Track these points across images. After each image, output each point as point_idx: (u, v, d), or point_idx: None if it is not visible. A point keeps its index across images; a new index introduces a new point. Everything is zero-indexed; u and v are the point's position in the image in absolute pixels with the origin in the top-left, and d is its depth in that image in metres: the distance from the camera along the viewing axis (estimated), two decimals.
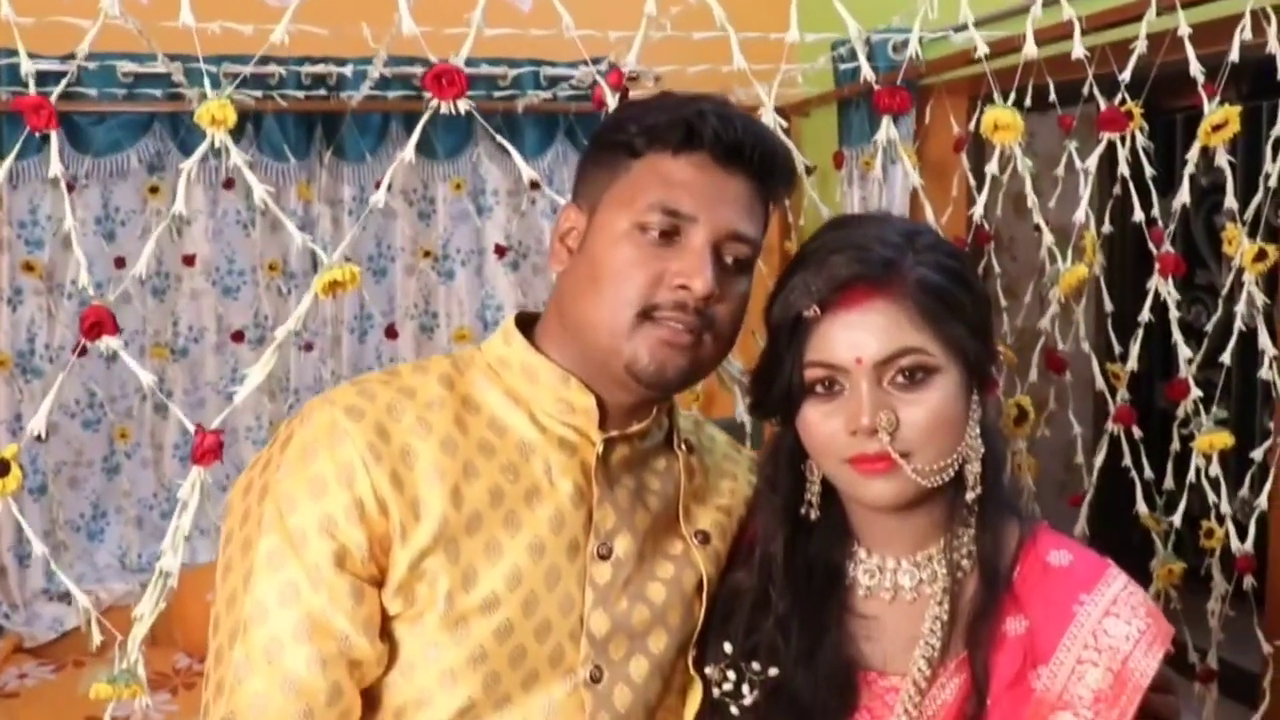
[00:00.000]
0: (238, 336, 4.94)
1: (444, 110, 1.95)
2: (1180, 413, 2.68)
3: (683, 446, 1.84)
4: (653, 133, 1.66)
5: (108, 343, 1.89)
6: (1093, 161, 2.52)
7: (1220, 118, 2.37)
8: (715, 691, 1.69)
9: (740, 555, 1.82)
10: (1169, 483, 2.76)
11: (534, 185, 4.79)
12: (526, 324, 1.79)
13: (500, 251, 5.09)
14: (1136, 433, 2.70)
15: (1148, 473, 2.74)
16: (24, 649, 4.71)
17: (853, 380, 1.57)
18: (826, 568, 1.72)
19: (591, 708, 1.65)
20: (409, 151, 1.99)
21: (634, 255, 1.62)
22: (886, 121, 2.25)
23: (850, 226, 1.71)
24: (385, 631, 1.61)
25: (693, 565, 1.78)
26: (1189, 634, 2.80)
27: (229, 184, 4.84)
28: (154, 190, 4.74)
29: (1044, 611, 1.58)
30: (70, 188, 4.64)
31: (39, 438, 4.32)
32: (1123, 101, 2.50)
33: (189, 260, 4.89)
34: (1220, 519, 2.66)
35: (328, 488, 1.57)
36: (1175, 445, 2.76)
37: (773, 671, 1.66)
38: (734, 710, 1.67)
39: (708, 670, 1.72)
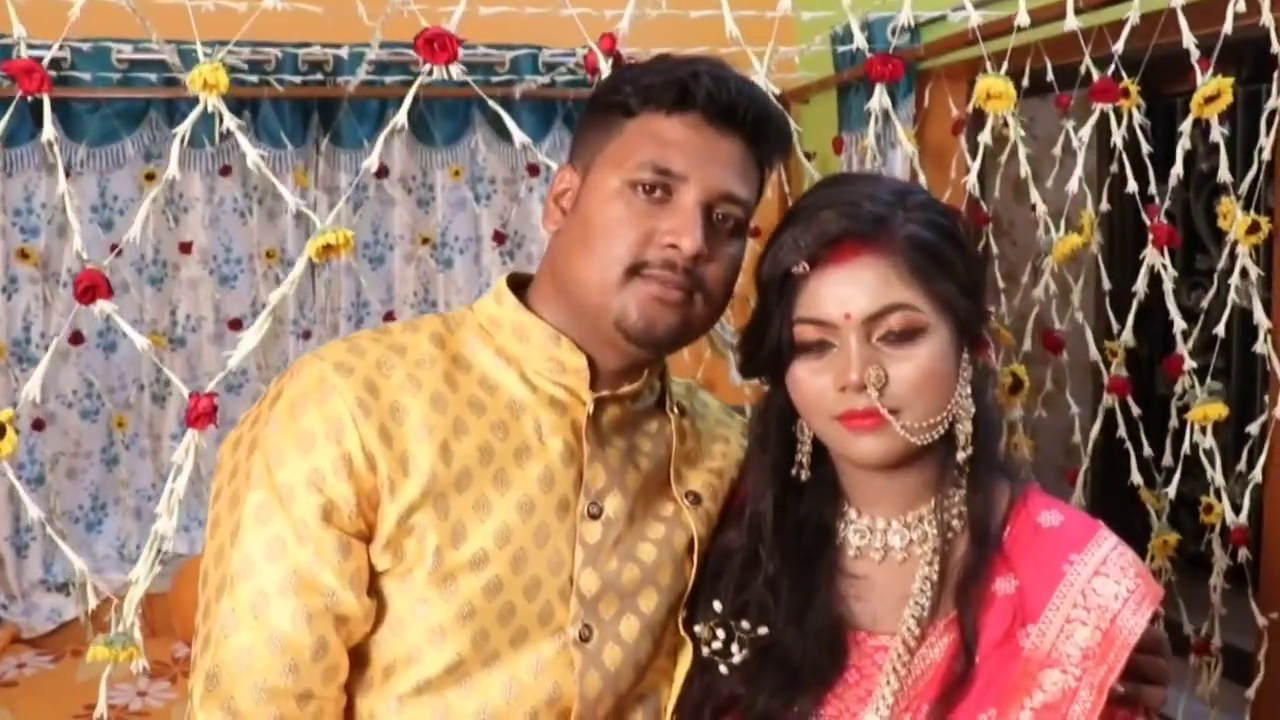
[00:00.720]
0: (235, 325, 4.93)
1: (436, 75, 1.94)
2: (1178, 389, 2.69)
3: (675, 410, 1.85)
4: (647, 93, 1.67)
5: (102, 306, 1.88)
6: (1086, 131, 2.52)
7: (1213, 89, 2.37)
8: (705, 650, 1.69)
9: (731, 515, 1.82)
10: (1167, 460, 2.76)
11: (533, 171, 4.85)
12: (519, 286, 1.79)
13: (499, 239, 5.10)
14: (1135, 411, 2.70)
15: (1147, 451, 2.74)
16: (22, 639, 4.74)
17: (842, 336, 1.57)
18: (817, 527, 1.73)
19: (581, 666, 1.65)
20: (402, 115, 1.99)
21: (624, 213, 1.63)
22: (880, 89, 2.25)
23: (842, 184, 1.72)
24: (374, 588, 1.61)
25: (683, 526, 1.79)
26: (1185, 614, 2.80)
27: (226, 171, 4.86)
28: (150, 177, 4.73)
29: (1034, 571, 1.58)
30: (66, 174, 4.64)
31: (36, 425, 4.34)
32: (1118, 78, 2.51)
33: (186, 248, 4.91)
34: (1217, 494, 2.67)
35: (315, 443, 1.57)
36: (1174, 422, 2.76)
37: (762, 630, 1.66)
38: (723, 669, 1.67)
39: (697, 628, 1.71)
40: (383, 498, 1.57)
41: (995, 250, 3.28)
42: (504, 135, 5.01)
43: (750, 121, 1.68)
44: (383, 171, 4.99)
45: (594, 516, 1.69)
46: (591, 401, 1.70)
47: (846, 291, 1.56)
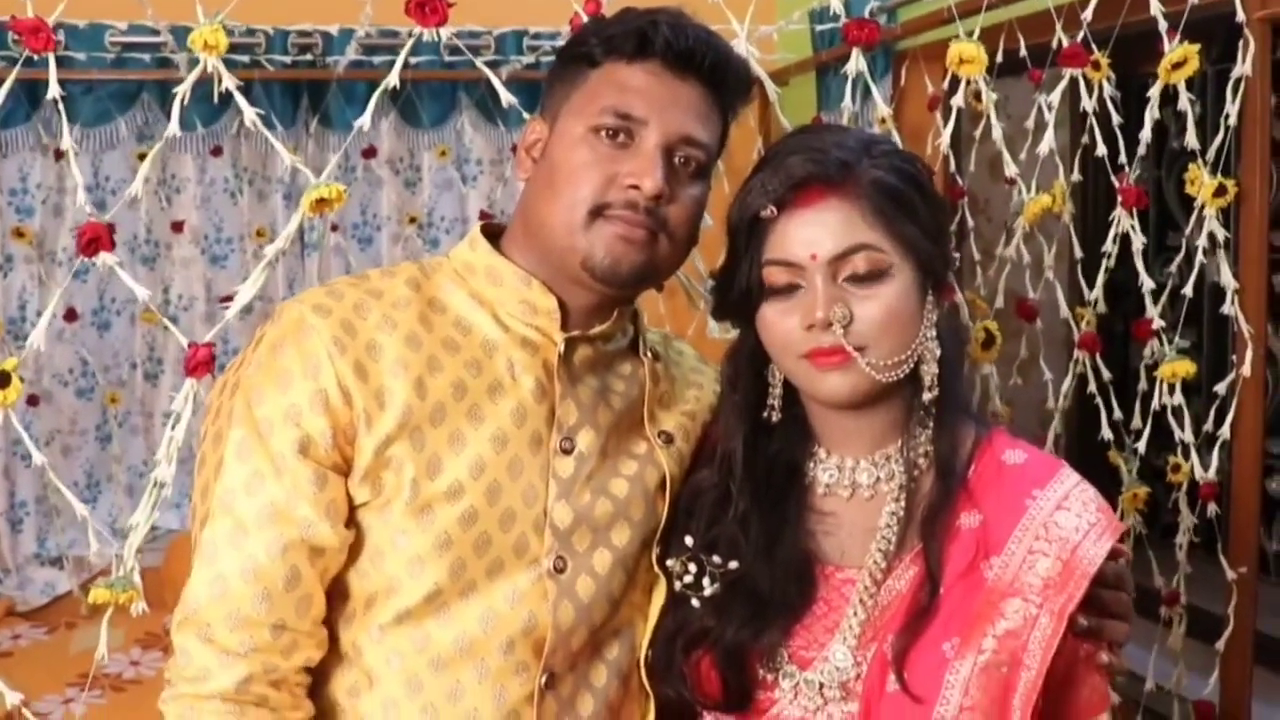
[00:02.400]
0: (227, 303, 4.97)
1: (426, 38, 2.00)
2: (1147, 351, 2.75)
3: (648, 354, 1.91)
4: (609, 43, 1.75)
5: (104, 259, 1.94)
6: (1056, 96, 2.59)
7: (1180, 55, 2.44)
8: (677, 584, 1.75)
9: (704, 456, 1.88)
10: (1137, 423, 2.82)
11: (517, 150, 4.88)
12: (493, 235, 1.86)
13: (485, 218, 5.12)
14: (1106, 375, 2.77)
15: (1117, 415, 2.80)
16: (16, 612, 4.81)
17: (808, 277, 1.63)
18: (787, 466, 1.79)
19: (555, 597, 1.71)
20: (393, 77, 2.05)
21: (589, 156, 1.71)
22: (856, 53, 2.31)
23: (810, 132, 1.80)
24: (353, 520, 1.68)
25: (656, 464, 1.85)
26: (1157, 576, 2.88)
27: (217, 151, 4.95)
28: (143, 158, 4.77)
29: (997, 506, 1.64)
30: (59, 155, 4.73)
31: (31, 401, 4.39)
32: (1089, 50, 2.58)
33: (178, 227, 5.00)
34: (1186, 453, 2.73)
35: (293, 380, 1.65)
36: (1143, 385, 2.83)
37: (733, 564, 1.72)
38: (694, 603, 1.73)
39: (669, 563, 1.77)
40: (359, 430, 1.64)
41: (971, 224, 3.33)
42: (490, 117, 5.10)
43: (709, 67, 1.76)
44: (371, 153, 5.06)
45: (566, 452, 1.75)
46: (562, 341, 1.76)
47: (812, 233, 1.63)
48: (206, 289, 5.09)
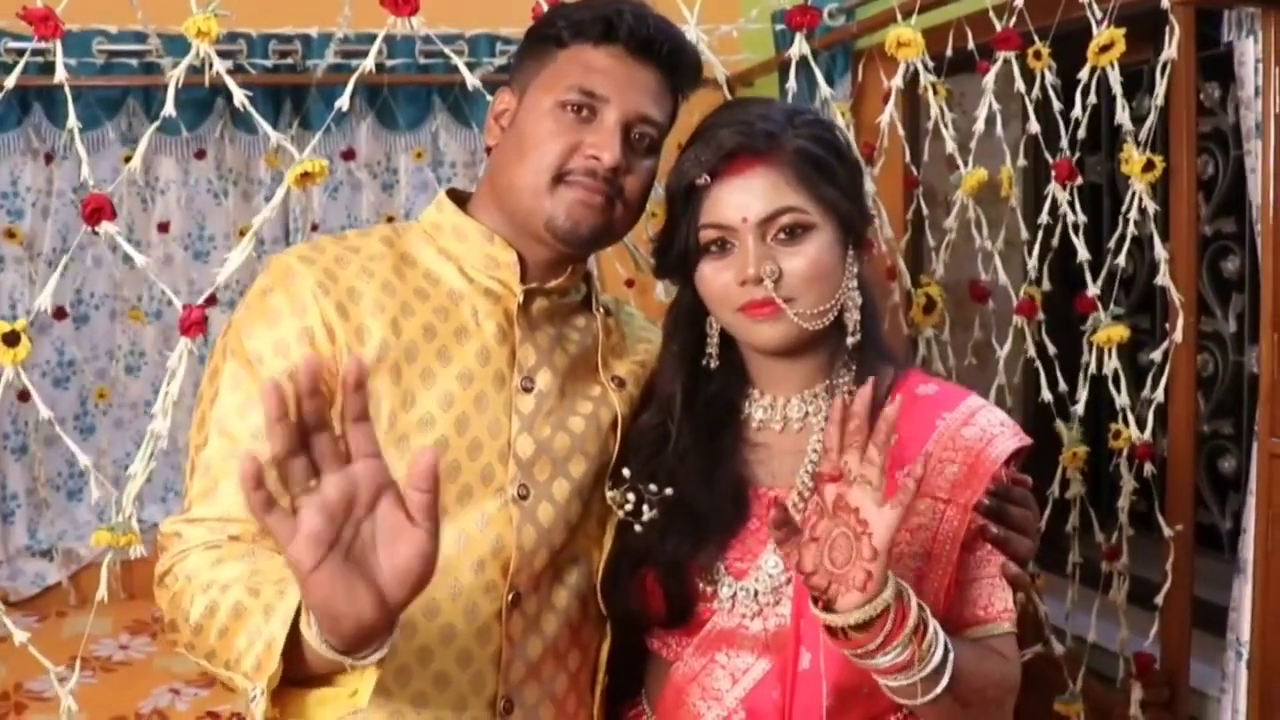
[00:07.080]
0: (211, 300, 5.09)
1: (400, 31, 2.17)
2: (1089, 326, 2.91)
3: (601, 309, 2.10)
4: (577, 27, 1.93)
5: (107, 228, 2.09)
6: (989, 79, 2.76)
7: (1107, 39, 2.62)
8: (620, 514, 1.93)
9: (648, 402, 2.06)
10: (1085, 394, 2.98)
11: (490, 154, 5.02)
12: (457, 201, 2.03)
13: None
14: (1052, 350, 2.93)
15: (1062, 386, 2.96)
16: (9, 602, 4.91)
17: (740, 237, 1.82)
18: (724, 405, 1.97)
19: (518, 521, 1.88)
20: (369, 61, 2.22)
21: (554, 128, 1.89)
22: (799, 38, 2.46)
23: (737, 107, 1.99)
24: None
25: (608, 404, 2.03)
26: (1098, 534, 3.06)
27: (201, 155, 5.13)
28: (129, 160, 4.92)
29: (909, 429, 1.79)
30: (49, 159, 4.90)
31: (22, 397, 4.52)
32: (1030, 41, 2.76)
33: (163, 228, 5.17)
34: (1124, 418, 2.90)
35: (281, 318, 1.81)
36: (1086, 358, 2.98)
37: (668, 490, 1.89)
38: (637, 529, 1.91)
39: (609, 495, 1.95)
40: (341, 364, 1.77)
41: (926, 213, 3.47)
42: (463, 120, 5.25)
43: (666, 54, 1.95)
44: (350, 155, 5.24)
45: (527, 390, 1.93)
46: (521, 292, 1.94)
47: (742, 198, 1.81)
48: (189, 285, 5.23)
